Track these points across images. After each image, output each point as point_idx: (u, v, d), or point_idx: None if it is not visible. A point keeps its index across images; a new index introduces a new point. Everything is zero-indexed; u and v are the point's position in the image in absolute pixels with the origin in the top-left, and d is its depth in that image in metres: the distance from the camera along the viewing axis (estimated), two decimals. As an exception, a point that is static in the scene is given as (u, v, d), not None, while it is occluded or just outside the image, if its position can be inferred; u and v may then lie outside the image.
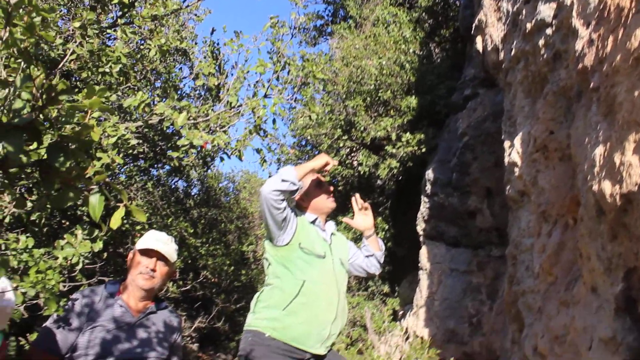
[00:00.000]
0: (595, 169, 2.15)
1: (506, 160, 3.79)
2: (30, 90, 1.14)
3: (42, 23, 1.68)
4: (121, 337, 2.83)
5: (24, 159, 1.21)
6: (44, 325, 2.96)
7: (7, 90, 1.12)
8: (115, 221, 1.24)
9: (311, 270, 3.40)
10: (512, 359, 4.09)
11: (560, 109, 3.07)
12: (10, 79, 1.18)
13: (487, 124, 5.87)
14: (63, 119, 1.25)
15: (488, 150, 5.81)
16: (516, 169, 3.60)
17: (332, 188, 3.78)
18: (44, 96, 1.11)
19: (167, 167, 7.72)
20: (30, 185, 3.27)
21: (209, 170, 9.66)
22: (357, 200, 3.88)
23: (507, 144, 3.88)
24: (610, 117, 2.09)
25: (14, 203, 1.60)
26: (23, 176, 1.99)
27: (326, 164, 3.51)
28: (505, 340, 4.62)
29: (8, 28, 1.14)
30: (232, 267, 8.85)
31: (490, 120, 5.83)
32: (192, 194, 9.61)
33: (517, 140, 3.60)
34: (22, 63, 1.20)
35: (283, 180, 3.24)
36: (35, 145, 1.21)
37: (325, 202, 3.68)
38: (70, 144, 1.22)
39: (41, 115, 1.18)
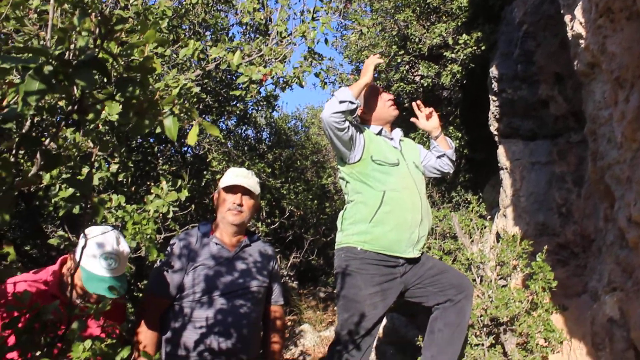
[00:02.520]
0: (663, 13, 2.05)
1: (569, 34, 3.64)
2: (89, 28, 1.21)
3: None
4: (222, 272, 3.01)
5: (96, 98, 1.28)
6: (151, 273, 3.18)
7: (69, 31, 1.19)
8: (192, 138, 1.31)
9: (388, 179, 3.45)
10: (607, 237, 4.02)
11: (618, -35, 2.91)
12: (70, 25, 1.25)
13: (544, 6, 5.61)
14: (124, 53, 1.31)
15: (550, 34, 5.57)
16: (581, 41, 3.46)
17: (392, 96, 3.79)
18: (102, 29, 1.17)
19: (234, 118, 7.88)
20: (111, 149, 3.45)
21: (275, 113, 9.77)
22: (419, 107, 3.88)
23: (567, 17, 3.72)
24: (671, -46, 1.98)
25: (97, 147, 1.70)
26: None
27: (376, 67, 3.53)
28: (598, 221, 4.55)
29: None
30: (316, 201, 9.02)
31: (547, 2, 5.56)
32: (263, 138, 9.78)
33: (578, 11, 3.44)
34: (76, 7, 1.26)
35: (341, 102, 3.29)
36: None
37: (387, 111, 3.71)
38: (135, 75, 1.29)
39: (103, 52, 1.24)
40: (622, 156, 3.28)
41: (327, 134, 3.42)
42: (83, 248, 1.63)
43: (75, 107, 1.28)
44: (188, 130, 6.02)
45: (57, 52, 1.23)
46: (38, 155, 1.27)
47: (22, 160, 2.18)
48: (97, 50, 1.20)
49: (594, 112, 3.59)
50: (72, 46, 1.21)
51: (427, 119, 3.86)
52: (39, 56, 1.11)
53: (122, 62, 1.31)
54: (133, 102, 1.28)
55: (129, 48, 1.32)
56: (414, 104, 3.91)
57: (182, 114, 1.31)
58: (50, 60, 1.12)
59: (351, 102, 3.32)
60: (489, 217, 7.02)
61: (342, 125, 3.32)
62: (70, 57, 1.20)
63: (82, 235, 2.07)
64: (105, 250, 2.50)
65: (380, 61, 3.55)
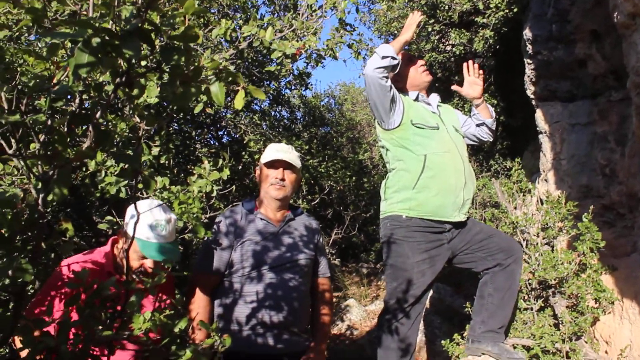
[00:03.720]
0: None
1: (607, -14, 3.54)
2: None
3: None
4: (269, 246, 3.03)
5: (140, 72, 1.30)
6: (199, 250, 3.22)
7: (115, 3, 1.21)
8: (238, 102, 1.32)
9: (429, 142, 3.43)
10: (656, 193, 3.94)
11: None
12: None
13: (578, -38, 5.47)
14: (166, 22, 1.33)
15: (585, -10, 5.43)
16: (621, -8, 3.37)
17: (424, 61, 3.76)
18: (145, -1, 1.18)
19: (268, 99, 7.91)
20: (152, 132, 3.51)
21: (308, 92, 9.79)
22: (471, 67, 3.83)
23: (604, -31, 3.62)
24: None
25: (144, 122, 1.73)
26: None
27: (419, 25, 3.50)
28: (645, 178, 4.45)
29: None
30: (354, 178, 9.03)
31: (581, -42, 5.41)
32: (298, 118, 9.79)
33: (616, -39, 3.35)
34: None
35: (383, 57, 3.29)
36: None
37: (420, 76, 3.68)
38: (178, 44, 1.31)
39: (146, 23, 1.25)
40: (668, 108, 3.20)
41: (370, 92, 3.41)
42: (137, 218, 1.66)
43: (123, 80, 1.29)
44: (225, 112, 6.06)
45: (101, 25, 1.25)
46: (90, 129, 1.29)
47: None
48: (141, 20, 1.21)
49: (637, 64, 3.49)
50: (116, 17, 1.23)
51: (472, 84, 3.81)
52: (86, 29, 1.13)
53: (165, 32, 1.32)
54: (179, 71, 1.30)
55: (170, 18, 1.33)
56: (464, 64, 3.88)
57: (227, 79, 1.32)
58: (97, 33, 1.14)
59: (393, 58, 3.32)
60: (529, 183, 6.91)
61: (385, 82, 3.32)
62: (115, 29, 1.21)
63: (132, 206, 2.11)
64: (154, 219, 2.56)
65: (424, 18, 3.54)
